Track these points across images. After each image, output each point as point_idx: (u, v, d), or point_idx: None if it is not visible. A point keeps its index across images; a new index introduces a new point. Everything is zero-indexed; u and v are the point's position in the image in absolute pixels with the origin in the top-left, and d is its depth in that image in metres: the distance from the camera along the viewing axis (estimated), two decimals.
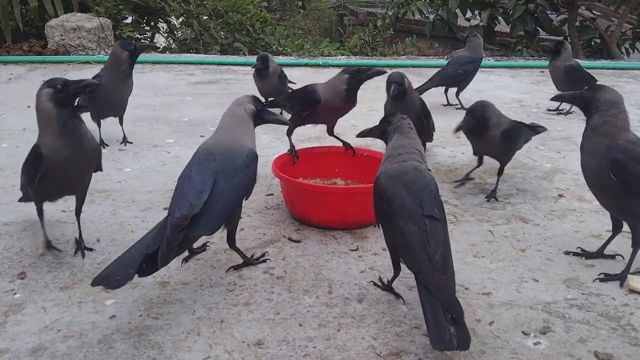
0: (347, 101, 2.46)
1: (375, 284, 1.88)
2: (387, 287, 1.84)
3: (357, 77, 2.41)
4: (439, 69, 4.35)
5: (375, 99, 3.79)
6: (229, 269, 1.94)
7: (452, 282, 1.55)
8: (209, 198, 1.69)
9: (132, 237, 2.16)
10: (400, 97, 2.65)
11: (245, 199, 1.85)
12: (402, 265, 1.70)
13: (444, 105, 4.25)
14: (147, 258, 1.59)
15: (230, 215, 1.79)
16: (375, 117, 3.84)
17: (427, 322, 1.46)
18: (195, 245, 1.96)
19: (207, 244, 2.08)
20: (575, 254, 2.10)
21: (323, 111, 2.48)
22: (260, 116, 1.97)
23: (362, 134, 2.05)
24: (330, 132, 2.66)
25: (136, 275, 1.59)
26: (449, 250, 1.60)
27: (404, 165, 1.73)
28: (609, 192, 1.91)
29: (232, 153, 1.81)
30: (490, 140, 2.54)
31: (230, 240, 1.91)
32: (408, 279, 1.83)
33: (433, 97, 4.31)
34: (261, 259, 2.01)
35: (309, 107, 2.47)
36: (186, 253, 1.95)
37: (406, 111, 2.48)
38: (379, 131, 1.94)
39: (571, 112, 4.11)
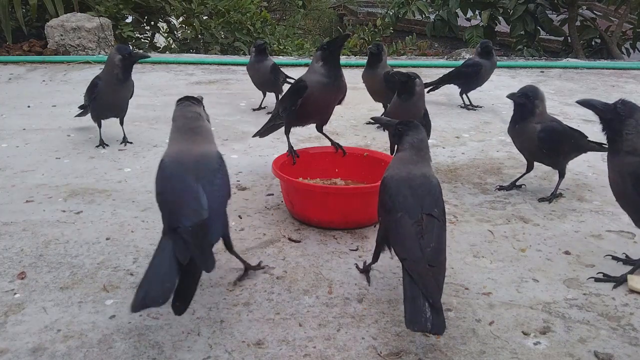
0: (331, 78, 2.41)
1: (357, 266, 1.97)
2: (364, 270, 1.94)
3: (328, 49, 2.38)
4: (438, 69, 4.37)
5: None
6: (234, 283, 1.87)
7: (441, 275, 1.58)
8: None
9: (132, 237, 2.16)
10: (404, 97, 2.59)
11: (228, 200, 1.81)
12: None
13: (462, 106, 4.26)
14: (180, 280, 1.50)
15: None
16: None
17: (405, 304, 1.50)
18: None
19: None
20: (597, 279, 1.93)
21: (313, 98, 2.43)
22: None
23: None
24: (320, 129, 2.63)
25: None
26: (443, 247, 1.63)
27: (412, 171, 1.76)
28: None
29: (203, 158, 1.75)
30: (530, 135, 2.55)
31: (229, 245, 1.84)
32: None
33: (434, 97, 4.32)
34: (261, 266, 1.96)
35: (299, 95, 2.44)
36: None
37: (410, 116, 2.47)
38: (395, 134, 1.92)
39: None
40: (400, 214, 1.66)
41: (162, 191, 1.70)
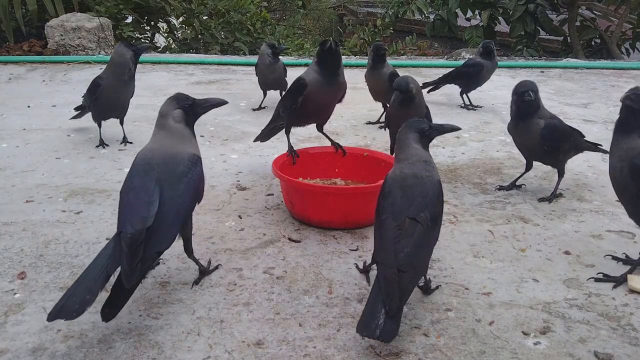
0: (331, 77, 2.42)
1: (357, 266, 1.97)
2: (364, 270, 1.94)
3: (328, 49, 2.39)
4: (438, 69, 4.37)
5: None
6: (192, 285, 1.85)
7: (411, 281, 1.58)
8: (159, 209, 1.61)
9: None
10: (405, 104, 2.51)
11: (197, 203, 1.80)
12: None
13: (462, 106, 4.26)
14: (113, 289, 1.53)
15: (183, 224, 1.72)
16: (375, 117, 3.85)
17: (365, 308, 1.53)
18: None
19: (161, 260, 1.95)
20: (597, 279, 1.93)
21: (314, 97, 2.43)
22: (193, 112, 1.84)
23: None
24: (320, 129, 2.64)
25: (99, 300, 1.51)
26: (423, 253, 1.64)
27: (403, 170, 1.78)
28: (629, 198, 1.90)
29: (171, 161, 1.72)
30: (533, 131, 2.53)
31: (188, 249, 1.83)
32: None
33: (434, 97, 4.32)
34: (214, 267, 1.95)
35: (299, 94, 2.45)
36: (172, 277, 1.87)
37: (411, 116, 2.45)
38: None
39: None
40: (385, 216, 1.66)
41: (123, 189, 1.69)
